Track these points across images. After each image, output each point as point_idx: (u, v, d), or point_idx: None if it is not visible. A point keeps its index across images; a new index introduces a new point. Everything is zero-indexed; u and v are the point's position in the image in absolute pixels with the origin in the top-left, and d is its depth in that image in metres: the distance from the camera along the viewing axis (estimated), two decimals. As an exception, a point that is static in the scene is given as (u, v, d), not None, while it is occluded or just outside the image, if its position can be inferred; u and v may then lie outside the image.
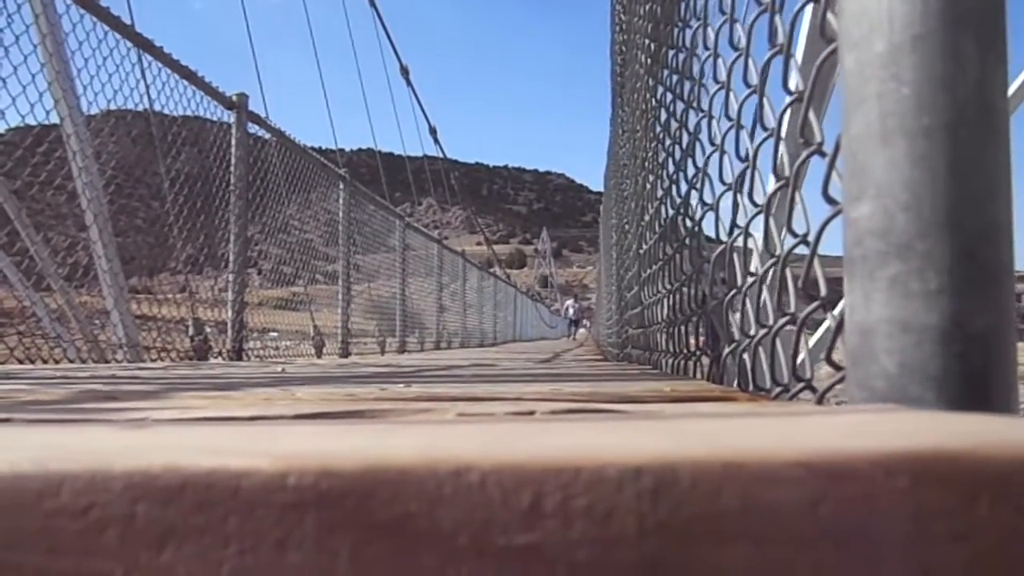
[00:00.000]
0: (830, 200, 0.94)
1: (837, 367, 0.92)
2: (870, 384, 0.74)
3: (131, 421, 0.60)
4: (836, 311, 0.93)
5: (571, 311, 28.93)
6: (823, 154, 1.00)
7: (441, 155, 21.43)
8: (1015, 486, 0.29)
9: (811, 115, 1.04)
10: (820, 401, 0.98)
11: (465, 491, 0.30)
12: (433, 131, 18.57)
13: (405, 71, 16.28)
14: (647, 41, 2.64)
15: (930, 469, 0.29)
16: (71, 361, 3.90)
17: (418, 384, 1.41)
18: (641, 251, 3.07)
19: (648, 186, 2.77)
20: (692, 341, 1.94)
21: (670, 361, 2.21)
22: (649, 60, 2.60)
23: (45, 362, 3.73)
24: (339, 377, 1.91)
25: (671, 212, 2.16)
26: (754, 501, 0.29)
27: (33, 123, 3.85)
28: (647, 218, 2.83)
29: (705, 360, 1.80)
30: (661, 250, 2.37)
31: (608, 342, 7.01)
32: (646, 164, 2.85)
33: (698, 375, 1.85)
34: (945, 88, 0.72)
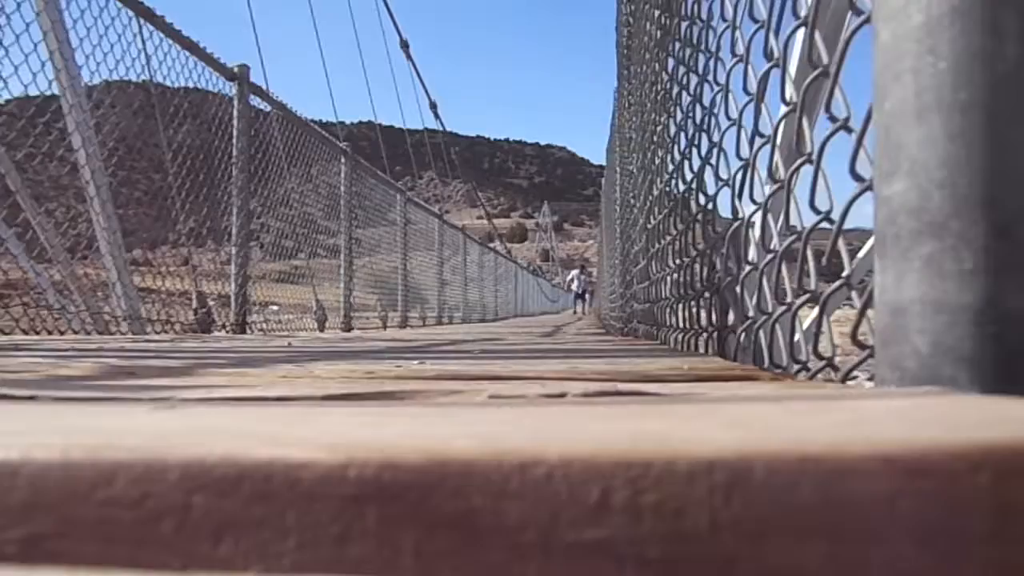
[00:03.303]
0: (857, 177, 0.93)
1: (863, 346, 0.91)
2: (901, 364, 0.73)
3: (160, 401, 0.59)
4: (863, 291, 0.92)
5: (576, 283, 25.02)
6: (849, 130, 0.99)
7: (441, 129, 21.30)
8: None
9: (838, 90, 1.02)
10: (844, 380, 0.97)
11: (531, 485, 0.29)
12: (433, 106, 18.42)
13: (405, 44, 16.11)
14: (658, 13, 2.60)
15: (1013, 462, 0.28)
16: (75, 332, 3.89)
17: (431, 360, 1.40)
18: (649, 226, 3.05)
19: (658, 160, 2.74)
20: (703, 317, 1.93)
21: (679, 337, 2.20)
22: (660, 32, 2.56)
23: (50, 333, 3.73)
24: (350, 352, 1.90)
25: (682, 187, 2.14)
26: (831, 496, 0.28)
27: (35, 93, 3.82)
28: (656, 192, 2.80)
29: (716, 337, 1.79)
30: (672, 225, 2.35)
31: (611, 316, 7.00)
32: (655, 138, 2.83)
33: (708, 351, 1.84)
34: (984, 63, 0.70)
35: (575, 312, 21.56)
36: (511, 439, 0.31)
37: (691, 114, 1.94)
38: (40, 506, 0.30)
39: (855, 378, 0.99)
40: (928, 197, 0.71)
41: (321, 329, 6.58)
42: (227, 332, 5.04)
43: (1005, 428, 0.31)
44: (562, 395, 0.60)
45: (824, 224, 1.07)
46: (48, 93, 3.96)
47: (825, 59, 1.06)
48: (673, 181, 2.31)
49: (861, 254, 1.63)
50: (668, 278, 2.49)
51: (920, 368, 0.71)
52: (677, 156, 2.21)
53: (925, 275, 0.71)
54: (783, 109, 1.23)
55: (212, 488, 0.29)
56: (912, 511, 0.28)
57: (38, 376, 0.95)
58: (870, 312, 0.92)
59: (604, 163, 10.27)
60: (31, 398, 0.63)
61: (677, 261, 2.25)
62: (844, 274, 1.01)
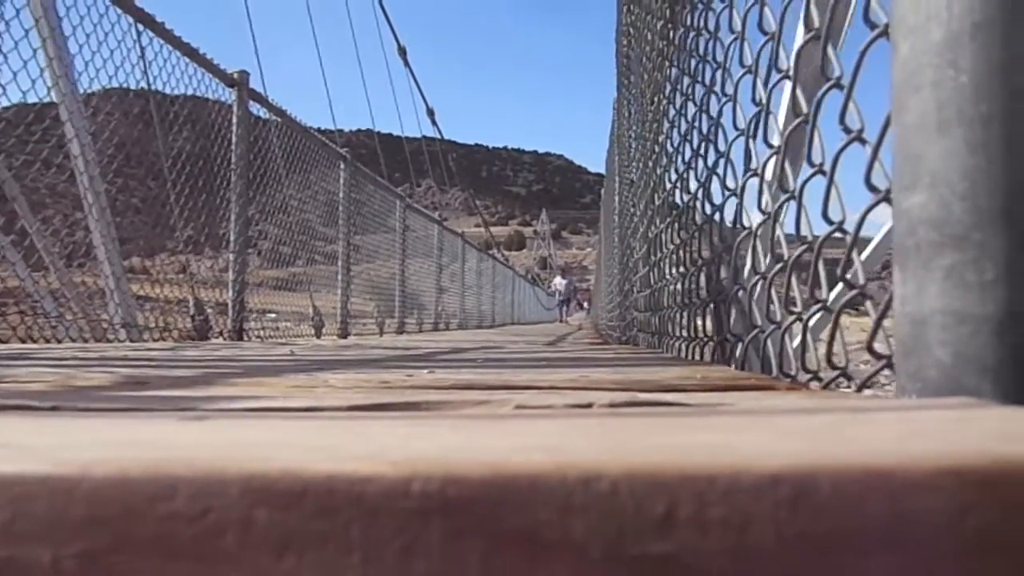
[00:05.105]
0: (872, 188, 0.93)
1: (879, 356, 0.91)
2: (923, 375, 0.73)
3: (183, 411, 0.58)
4: (879, 302, 0.92)
5: (560, 290, 24.83)
6: (863, 141, 0.99)
7: (439, 136, 21.32)
8: None
9: (852, 102, 1.02)
10: (860, 390, 0.97)
11: (596, 499, 0.29)
12: (431, 113, 18.44)
13: (403, 51, 16.14)
14: (661, 23, 2.61)
15: (1081, 478, 0.28)
16: (73, 340, 3.88)
17: (440, 369, 1.40)
18: (651, 234, 3.05)
19: (660, 170, 2.75)
20: (708, 326, 1.93)
21: (683, 346, 2.21)
22: (663, 43, 2.57)
23: (47, 341, 3.72)
24: (355, 361, 1.90)
25: (687, 197, 2.14)
26: (899, 511, 0.28)
27: (33, 100, 3.81)
28: (658, 201, 2.81)
29: (721, 346, 1.79)
30: (675, 233, 2.36)
31: (609, 324, 7.01)
32: (656, 147, 2.83)
33: (713, 359, 1.84)
34: (1005, 76, 0.71)
35: (562, 321, 21.32)
36: (572, 453, 0.31)
37: (696, 124, 1.95)
38: (97, 521, 0.30)
39: (870, 387, 0.99)
40: (949, 209, 0.72)
41: (318, 336, 6.56)
42: (224, 339, 5.03)
43: (1066, 442, 0.31)
44: (588, 405, 0.60)
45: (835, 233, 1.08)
46: (47, 100, 3.96)
47: (837, 71, 1.07)
48: (676, 191, 2.32)
49: (862, 257, 1.63)
50: (671, 287, 2.50)
51: (943, 378, 0.71)
52: (681, 166, 2.22)
53: (946, 286, 0.71)
54: (793, 120, 1.24)
55: (274, 502, 0.29)
56: (982, 526, 0.28)
57: (52, 387, 0.95)
58: (886, 322, 0.93)
59: (602, 171, 10.31)
60: (53, 408, 0.63)
61: (681, 270, 2.26)
62: (860, 284, 1.02)
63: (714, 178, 1.77)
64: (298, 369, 1.39)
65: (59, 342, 3.77)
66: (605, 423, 0.42)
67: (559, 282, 25.65)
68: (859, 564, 0.28)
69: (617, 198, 5.75)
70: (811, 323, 1.18)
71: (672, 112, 2.37)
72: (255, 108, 5.44)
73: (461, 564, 0.29)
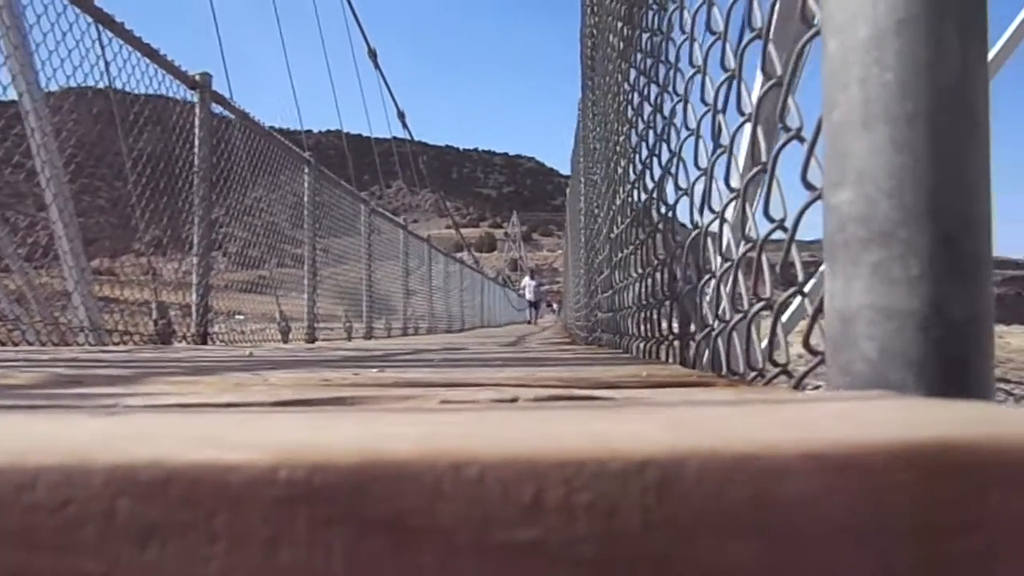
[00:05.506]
0: (809, 186, 0.94)
1: (814, 352, 0.92)
2: (851, 369, 0.74)
3: (102, 408, 0.57)
4: (815, 299, 0.93)
5: (529, 291, 24.32)
6: (802, 139, 1.00)
7: (410, 138, 21.24)
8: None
9: (791, 100, 1.03)
10: (797, 386, 0.98)
11: (464, 486, 0.29)
12: (402, 115, 18.37)
13: (373, 54, 16.06)
14: (620, 24, 2.62)
15: (941, 460, 0.29)
16: (30, 344, 3.81)
17: (391, 369, 1.39)
18: (612, 235, 3.06)
19: (620, 170, 2.76)
20: (664, 326, 1.94)
21: (641, 345, 2.21)
22: (622, 43, 2.58)
23: (3, 344, 3.65)
24: (309, 361, 1.88)
25: (644, 197, 2.16)
26: (763, 495, 0.28)
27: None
28: (618, 202, 2.82)
29: (676, 344, 1.80)
30: (633, 234, 2.37)
31: (577, 325, 7.03)
32: (617, 148, 2.85)
33: (669, 359, 1.85)
34: (928, 74, 0.72)
35: (532, 323, 21.12)
36: (445, 440, 0.31)
37: (652, 124, 1.96)
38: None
39: (808, 384, 1.00)
40: (876, 206, 0.73)
41: (285, 340, 6.51)
42: (188, 343, 4.97)
43: (933, 428, 0.31)
44: (514, 400, 0.60)
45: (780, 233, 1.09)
46: (4, 99, 3.88)
47: (779, 70, 1.08)
48: (635, 191, 2.33)
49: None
50: (631, 287, 2.51)
51: (870, 373, 0.72)
52: (639, 165, 2.23)
53: (873, 282, 0.72)
54: (739, 119, 1.25)
55: (137, 492, 0.29)
56: (841, 509, 0.28)
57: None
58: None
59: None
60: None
61: (639, 270, 2.27)
62: (798, 281, 1.03)
63: (668, 178, 1.78)
64: (244, 369, 1.38)
65: (15, 345, 3.70)
66: (507, 415, 0.42)
67: (527, 283, 25.19)
68: (725, 547, 0.28)
69: (583, 199, 5.78)
70: (778, 320, 1.19)
71: (630, 112, 2.38)
72: (220, 109, 5.38)
73: (327, 553, 0.28)
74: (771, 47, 1.10)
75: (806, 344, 0.92)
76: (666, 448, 0.29)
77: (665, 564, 0.28)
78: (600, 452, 0.29)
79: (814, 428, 0.32)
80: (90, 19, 4.12)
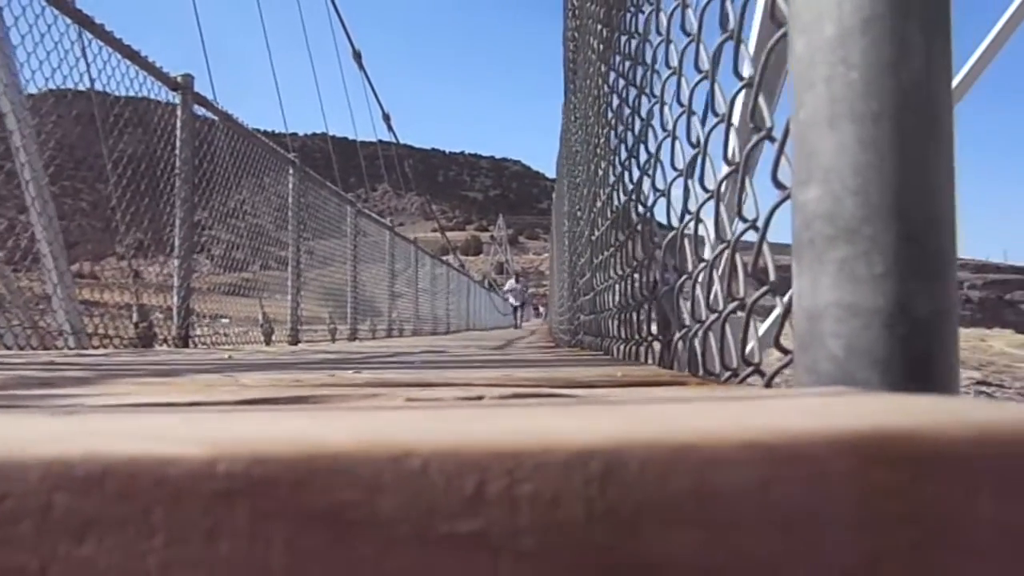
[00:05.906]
0: (779, 185, 0.95)
1: (785, 351, 0.93)
2: (817, 368, 0.74)
3: (62, 408, 0.57)
4: (785, 297, 0.93)
5: (513, 296, 23.83)
6: (773, 139, 1.01)
7: (395, 141, 21.20)
8: (962, 465, 0.29)
9: (761, 100, 1.04)
10: (768, 385, 0.99)
11: (405, 477, 0.28)
12: (387, 118, 18.36)
13: (358, 56, 16.05)
14: (599, 27, 2.63)
15: (878, 449, 0.29)
16: (8, 347, 3.77)
17: (368, 370, 1.39)
18: (593, 238, 3.07)
19: (600, 172, 2.77)
20: (644, 327, 1.95)
21: (621, 347, 2.22)
22: (601, 46, 2.59)
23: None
24: (287, 364, 1.87)
25: (623, 198, 2.16)
26: (704, 485, 0.28)
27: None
28: (599, 204, 2.83)
29: (656, 346, 1.81)
30: (613, 236, 2.38)
31: (560, 328, 7.03)
32: (598, 150, 2.85)
33: (649, 360, 1.86)
34: (892, 73, 0.72)
35: (517, 327, 20.97)
36: (386, 433, 0.30)
37: (630, 126, 1.97)
38: None
39: (779, 383, 1.00)
40: (842, 203, 0.73)
41: (268, 342, 6.47)
42: (169, 346, 4.93)
43: (875, 418, 0.31)
44: (479, 398, 0.60)
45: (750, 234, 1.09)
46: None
47: (748, 72, 1.09)
48: (615, 192, 2.34)
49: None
50: (611, 289, 2.51)
51: (836, 371, 0.72)
52: (618, 167, 2.23)
53: (839, 280, 0.73)
54: (713, 120, 1.26)
55: (74, 486, 0.28)
56: (783, 497, 0.28)
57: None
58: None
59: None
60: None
61: (619, 271, 2.27)
62: (770, 280, 1.03)
63: (646, 179, 1.79)
64: (217, 371, 1.37)
65: (-7, 349, 3.66)
66: (464, 411, 0.42)
67: (512, 285, 24.79)
68: (666, 537, 0.28)
69: (566, 202, 5.79)
70: (750, 319, 1.19)
71: (610, 114, 2.39)
72: (203, 111, 5.35)
73: (266, 546, 0.28)
74: (743, 48, 1.11)
75: (777, 343, 0.93)
76: (610, 439, 0.29)
77: (608, 554, 0.28)
78: (544, 444, 0.29)
79: (756, 420, 0.32)
80: (69, 21, 4.08)
